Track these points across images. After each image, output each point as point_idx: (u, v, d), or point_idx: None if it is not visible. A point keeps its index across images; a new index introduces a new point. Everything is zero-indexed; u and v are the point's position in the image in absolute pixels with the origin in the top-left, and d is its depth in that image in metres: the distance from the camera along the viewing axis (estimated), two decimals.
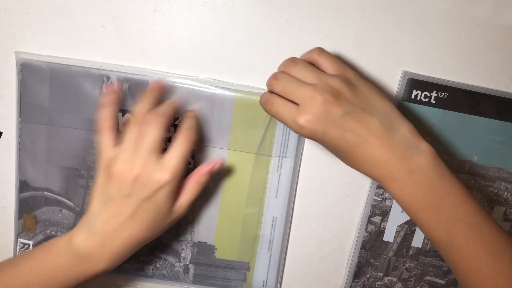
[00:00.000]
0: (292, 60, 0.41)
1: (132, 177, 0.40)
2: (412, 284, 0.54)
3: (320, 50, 0.42)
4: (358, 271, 0.53)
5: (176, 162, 0.41)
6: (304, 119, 0.38)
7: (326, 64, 0.41)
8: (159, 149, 0.41)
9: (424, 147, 0.39)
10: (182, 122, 0.44)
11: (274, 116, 0.41)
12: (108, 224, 0.41)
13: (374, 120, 0.38)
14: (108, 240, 0.41)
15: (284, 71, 0.41)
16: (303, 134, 0.39)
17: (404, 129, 0.39)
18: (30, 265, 0.41)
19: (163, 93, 0.46)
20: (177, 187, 0.42)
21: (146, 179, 0.40)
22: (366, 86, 0.40)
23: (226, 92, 0.47)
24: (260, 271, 0.53)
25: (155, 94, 0.44)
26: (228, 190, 0.51)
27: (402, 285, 0.54)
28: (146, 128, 0.41)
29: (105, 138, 0.43)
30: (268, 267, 0.53)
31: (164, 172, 0.40)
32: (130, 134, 0.41)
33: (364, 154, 0.39)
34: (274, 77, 0.41)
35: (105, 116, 0.43)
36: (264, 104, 0.42)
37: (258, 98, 0.47)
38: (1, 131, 0.51)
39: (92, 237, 0.41)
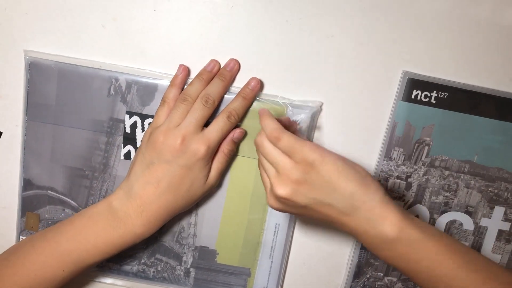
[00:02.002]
0: (274, 137, 0.40)
1: (174, 145, 0.43)
2: (412, 284, 0.54)
3: (274, 134, 0.40)
4: (358, 271, 0.53)
5: (213, 137, 0.44)
6: (270, 202, 0.43)
7: (284, 150, 0.40)
8: (201, 125, 0.45)
9: (390, 219, 0.39)
10: (233, 100, 0.47)
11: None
12: (147, 188, 0.44)
13: (334, 208, 0.40)
14: (146, 203, 0.44)
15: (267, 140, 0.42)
16: (272, 208, 0.43)
17: (367, 207, 0.40)
18: (71, 232, 0.44)
19: (215, 75, 0.47)
20: (211, 161, 0.46)
21: (186, 149, 0.43)
22: (328, 169, 0.40)
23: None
24: (261, 277, 0.53)
25: (205, 77, 0.46)
26: (232, 195, 0.51)
27: (402, 285, 0.54)
28: (195, 106, 0.45)
29: (162, 110, 0.46)
30: (269, 273, 0.53)
31: (201, 144, 0.44)
32: (178, 109, 0.45)
33: (340, 227, 0.42)
34: (260, 143, 0.42)
35: (169, 95, 0.46)
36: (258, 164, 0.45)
37: (264, 104, 0.48)
38: (7, 129, 0.51)
39: (131, 200, 0.44)
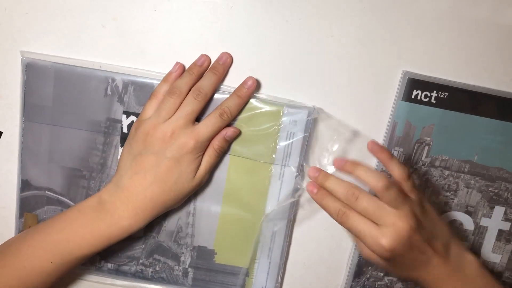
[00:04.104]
0: (380, 180, 0.41)
1: (162, 138, 0.44)
2: (412, 284, 0.54)
3: (405, 174, 0.43)
4: (358, 271, 0.53)
5: (203, 132, 0.44)
6: (386, 242, 0.40)
7: (407, 188, 0.43)
8: (192, 119, 0.45)
9: (470, 258, 0.44)
10: (228, 98, 0.46)
11: (350, 230, 0.43)
12: (134, 179, 0.44)
13: (439, 242, 0.43)
14: (132, 195, 0.44)
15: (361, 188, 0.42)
16: (382, 254, 0.41)
17: (455, 244, 0.44)
18: (62, 224, 0.44)
19: (205, 69, 0.47)
20: (201, 156, 0.46)
21: (174, 141, 0.44)
22: (430, 208, 0.44)
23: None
24: (259, 277, 0.53)
25: (195, 71, 0.46)
26: (229, 195, 0.51)
27: (402, 285, 0.54)
28: (186, 101, 0.45)
29: (150, 103, 0.46)
30: (267, 273, 0.53)
31: (190, 137, 0.44)
32: (166, 103, 0.44)
33: (427, 271, 0.43)
34: (354, 195, 0.42)
35: (160, 90, 0.46)
36: (339, 216, 0.43)
37: (263, 105, 0.48)
38: (4, 130, 0.51)
39: (119, 192, 0.44)
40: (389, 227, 0.40)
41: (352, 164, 0.43)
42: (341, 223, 0.43)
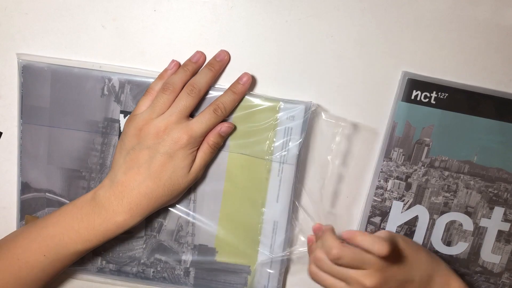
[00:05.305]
0: (339, 249, 0.42)
1: (155, 132, 0.44)
2: None
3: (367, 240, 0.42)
4: None
5: (197, 127, 0.44)
6: None
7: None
8: (186, 115, 0.45)
9: (454, 284, 0.46)
10: (222, 94, 0.46)
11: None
12: (128, 174, 0.44)
13: (414, 283, 0.44)
14: (127, 190, 0.44)
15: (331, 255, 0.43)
16: None
17: (439, 274, 0.46)
18: (57, 218, 0.45)
19: (200, 66, 0.47)
20: (195, 152, 0.46)
21: (167, 136, 0.44)
22: (406, 251, 0.45)
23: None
24: (262, 275, 0.53)
25: (190, 67, 0.46)
26: (229, 192, 0.51)
27: None
28: (179, 96, 0.45)
29: (143, 100, 0.46)
30: (270, 271, 0.53)
31: (184, 132, 0.44)
32: (160, 98, 0.45)
33: None
34: (318, 259, 0.45)
35: (154, 87, 0.46)
36: (313, 276, 0.47)
37: (259, 101, 0.48)
38: (4, 130, 0.51)
39: (114, 188, 0.44)
40: (355, 285, 0.43)
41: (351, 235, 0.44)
42: (318, 283, 0.46)
